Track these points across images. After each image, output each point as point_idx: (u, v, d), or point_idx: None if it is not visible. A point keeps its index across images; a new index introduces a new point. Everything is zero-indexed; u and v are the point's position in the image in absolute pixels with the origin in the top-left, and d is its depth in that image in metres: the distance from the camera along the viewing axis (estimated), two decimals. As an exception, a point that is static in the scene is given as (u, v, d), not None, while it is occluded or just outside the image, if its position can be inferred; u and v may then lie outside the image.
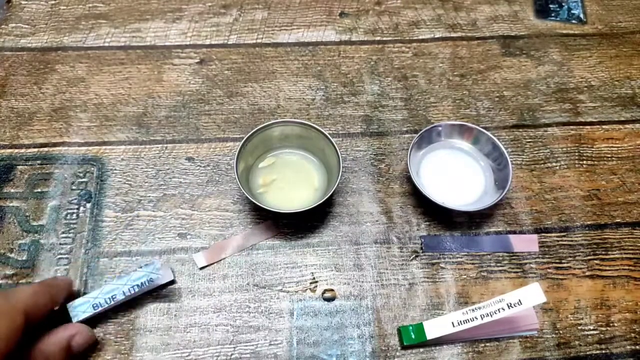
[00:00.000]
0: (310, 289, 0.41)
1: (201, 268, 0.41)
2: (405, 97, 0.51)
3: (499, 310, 0.36)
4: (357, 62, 0.53)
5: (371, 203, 0.45)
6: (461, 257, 0.42)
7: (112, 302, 0.37)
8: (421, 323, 0.38)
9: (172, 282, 0.40)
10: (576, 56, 0.54)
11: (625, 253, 0.43)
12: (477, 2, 0.58)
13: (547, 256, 0.43)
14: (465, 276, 0.42)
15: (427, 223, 0.44)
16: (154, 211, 0.44)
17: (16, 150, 0.46)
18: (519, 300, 0.36)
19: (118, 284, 0.37)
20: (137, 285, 0.37)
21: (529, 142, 0.49)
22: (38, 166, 0.45)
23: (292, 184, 0.44)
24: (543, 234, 0.44)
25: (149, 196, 0.44)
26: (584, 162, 0.48)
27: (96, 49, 0.53)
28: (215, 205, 0.44)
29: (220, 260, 0.42)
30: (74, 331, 0.34)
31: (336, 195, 0.45)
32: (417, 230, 0.44)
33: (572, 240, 0.43)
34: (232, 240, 0.42)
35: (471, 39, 0.55)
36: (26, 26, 0.54)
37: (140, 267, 0.38)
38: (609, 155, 0.48)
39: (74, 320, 0.36)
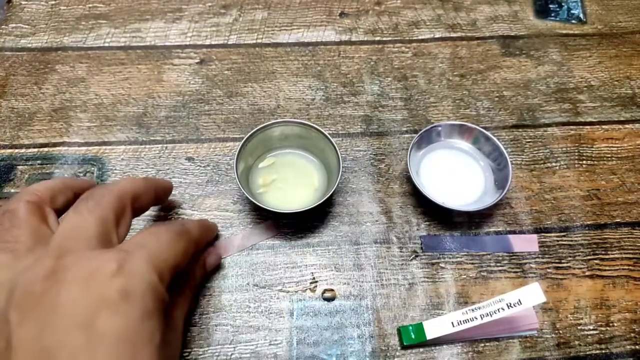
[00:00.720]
0: (310, 289, 0.41)
1: None
2: (405, 97, 0.51)
3: (498, 310, 0.36)
4: (357, 62, 0.53)
5: (371, 203, 0.45)
6: (461, 257, 0.42)
7: None
8: (421, 323, 0.38)
9: None
10: (576, 56, 0.55)
11: (625, 253, 0.43)
12: (477, 2, 0.58)
13: (547, 256, 0.43)
14: (465, 276, 0.42)
15: (427, 223, 0.44)
16: (154, 211, 0.44)
17: (16, 150, 0.46)
18: (519, 300, 0.36)
19: None
20: None
21: (529, 142, 0.49)
22: (38, 166, 0.45)
23: (292, 184, 0.44)
24: (543, 234, 0.44)
25: (149, 196, 0.44)
26: (584, 162, 0.48)
27: (96, 49, 0.53)
28: (215, 205, 0.44)
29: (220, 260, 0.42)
30: (207, 252, 0.40)
31: (336, 195, 0.45)
32: (417, 230, 0.44)
33: (572, 240, 0.44)
34: (231, 240, 0.42)
35: (471, 39, 0.55)
36: (26, 26, 0.54)
37: None
38: (609, 155, 0.48)
39: None
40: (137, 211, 0.33)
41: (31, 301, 0.24)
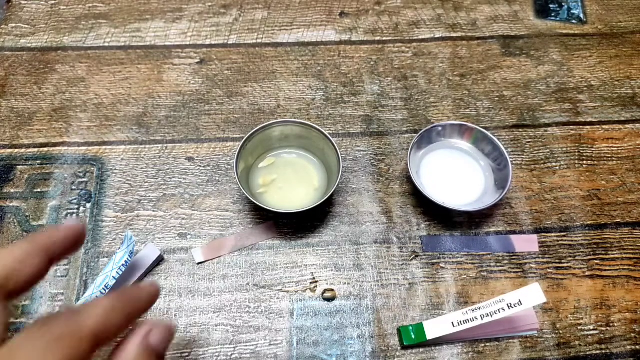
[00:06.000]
0: (310, 289, 0.41)
1: (199, 263, 0.41)
2: (405, 97, 0.51)
3: (499, 310, 0.36)
4: (357, 62, 0.53)
5: (371, 203, 0.45)
6: (461, 257, 0.42)
7: (107, 290, 0.37)
8: (421, 323, 0.38)
9: (162, 259, 0.41)
10: (576, 56, 0.54)
11: (625, 253, 0.43)
12: (477, 2, 0.58)
13: (547, 256, 0.43)
14: (465, 276, 0.42)
15: (427, 223, 0.44)
16: (154, 211, 0.44)
17: (16, 150, 0.46)
18: (519, 301, 0.36)
19: (106, 273, 0.38)
20: (123, 265, 0.38)
21: (529, 142, 0.49)
22: (38, 166, 0.45)
23: (292, 183, 0.44)
24: (543, 234, 0.44)
25: (149, 196, 0.44)
26: (584, 162, 0.48)
27: (96, 49, 0.53)
28: (215, 205, 0.44)
29: (219, 257, 0.42)
30: (148, 328, 0.27)
31: (336, 195, 0.45)
32: (417, 230, 0.44)
33: (572, 240, 0.43)
34: (231, 238, 0.42)
35: (471, 39, 0.55)
36: (26, 26, 0.54)
37: (119, 248, 0.38)
38: (609, 155, 0.48)
39: None
40: (18, 290, 0.24)
41: None
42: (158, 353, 0.26)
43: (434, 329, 0.38)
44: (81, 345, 0.22)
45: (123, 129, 0.48)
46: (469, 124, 0.45)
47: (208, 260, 0.42)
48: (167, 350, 0.27)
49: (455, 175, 0.45)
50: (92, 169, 0.46)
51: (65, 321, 0.23)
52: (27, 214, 0.43)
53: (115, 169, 0.46)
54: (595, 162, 0.48)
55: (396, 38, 0.55)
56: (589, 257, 0.43)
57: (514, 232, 0.44)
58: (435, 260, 0.42)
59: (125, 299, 0.26)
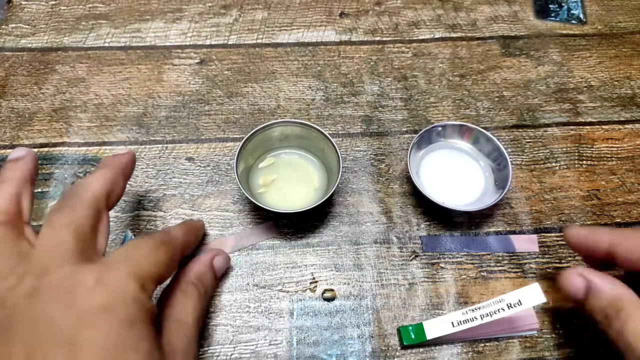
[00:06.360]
0: (310, 289, 0.41)
1: None
2: (405, 97, 0.51)
3: (498, 310, 0.36)
4: (357, 62, 0.53)
5: (371, 203, 0.45)
6: (461, 257, 0.42)
7: None
8: (421, 323, 0.38)
9: None
10: (576, 56, 0.55)
11: (625, 253, 0.43)
12: (477, 2, 0.58)
13: (547, 256, 0.43)
14: (465, 276, 0.42)
15: (427, 223, 0.44)
16: (154, 211, 0.44)
17: (16, 151, 0.46)
18: (519, 301, 0.36)
19: None
20: None
21: (529, 142, 0.49)
22: (38, 166, 0.45)
23: (292, 184, 0.44)
24: (543, 234, 0.44)
25: (149, 196, 0.44)
26: (584, 162, 0.48)
27: (96, 49, 0.53)
28: (215, 205, 0.44)
29: (220, 260, 0.42)
30: (214, 253, 0.38)
31: (336, 195, 0.45)
32: (417, 230, 0.44)
33: (572, 240, 0.43)
34: (231, 238, 0.42)
35: (471, 39, 0.55)
36: (26, 26, 0.54)
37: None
38: (609, 155, 0.48)
39: None
40: (113, 204, 0.33)
41: (13, 322, 0.24)
42: (217, 272, 0.38)
43: (433, 328, 0.38)
44: (175, 250, 0.31)
45: (123, 129, 0.48)
46: (469, 124, 0.45)
47: (208, 260, 0.42)
48: (221, 273, 0.39)
49: (455, 175, 0.45)
50: (92, 169, 0.46)
51: (164, 235, 0.32)
52: (27, 214, 0.43)
53: (115, 169, 0.46)
54: (595, 162, 0.48)
55: (396, 38, 0.55)
56: (589, 257, 0.43)
57: (514, 232, 0.44)
58: (435, 260, 0.42)
59: (192, 227, 0.38)
